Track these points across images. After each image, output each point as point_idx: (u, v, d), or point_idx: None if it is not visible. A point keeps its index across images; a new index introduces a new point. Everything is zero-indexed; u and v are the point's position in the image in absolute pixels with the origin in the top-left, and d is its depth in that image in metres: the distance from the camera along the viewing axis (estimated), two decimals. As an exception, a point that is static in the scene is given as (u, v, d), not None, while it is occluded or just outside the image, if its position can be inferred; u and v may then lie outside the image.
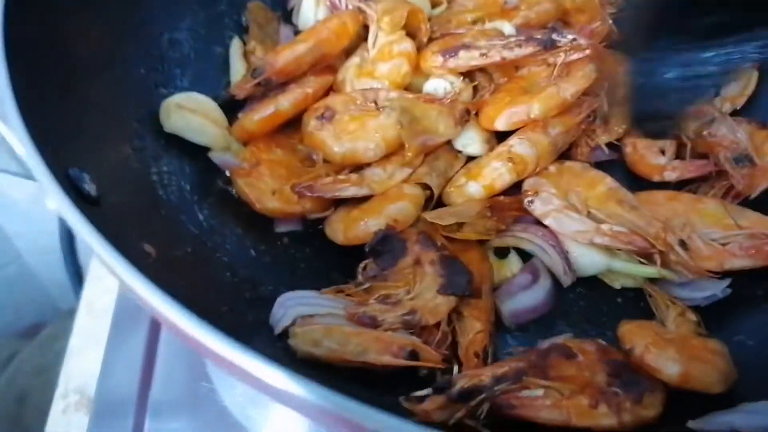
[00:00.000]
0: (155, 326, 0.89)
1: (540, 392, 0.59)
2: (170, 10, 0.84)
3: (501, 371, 0.58)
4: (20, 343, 1.87)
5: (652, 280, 0.74)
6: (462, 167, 0.81)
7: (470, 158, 0.82)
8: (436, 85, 0.84)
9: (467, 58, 0.81)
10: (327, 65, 0.86)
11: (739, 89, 0.90)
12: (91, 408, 0.88)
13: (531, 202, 0.74)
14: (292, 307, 0.64)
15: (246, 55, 0.91)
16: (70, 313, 1.87)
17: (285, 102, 0.79)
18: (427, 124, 0.76)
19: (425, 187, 0.77)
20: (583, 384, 0.60)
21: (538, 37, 0.80)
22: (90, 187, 0.54)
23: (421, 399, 0.55)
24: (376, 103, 0.78)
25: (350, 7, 0.91)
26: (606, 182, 0.77)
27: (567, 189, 0.77)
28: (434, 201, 0.77)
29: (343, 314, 0.64)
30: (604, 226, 0.71)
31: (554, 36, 0.80)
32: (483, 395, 0.56)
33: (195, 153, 0.79)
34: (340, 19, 0.86)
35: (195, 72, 0.86)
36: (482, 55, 0.80)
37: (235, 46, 0.91)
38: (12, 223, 1.83)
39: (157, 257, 0.58)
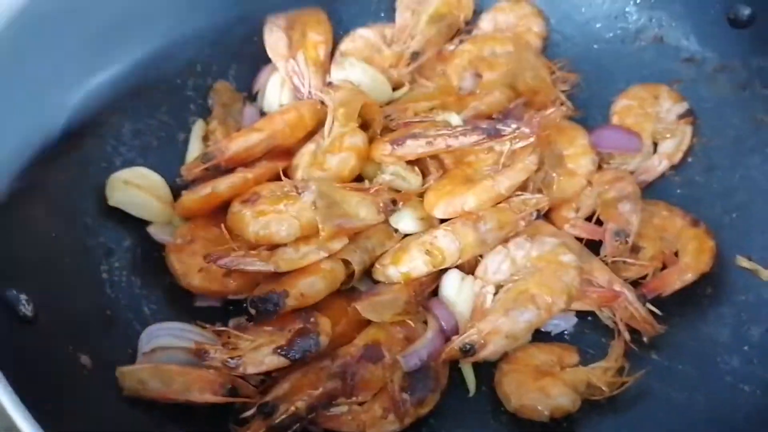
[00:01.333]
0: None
1: (345, 408, 0.71)
2: (135, 102, 0.88)
3: (316, 396, 0.68)
4: None
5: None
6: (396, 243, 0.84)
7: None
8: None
9: (414, 146, 0.84)
10: (284, 150, 0.89)
11: (675, 146, 0.94)
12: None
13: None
14: (158, 337, 0.71)
15: (206, 136, 0.94)
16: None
17: (222, 185, 0.83)
18: (346, 208, 0.79)
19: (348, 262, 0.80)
20: (381, 387, 0.72)
21: (483, 126, 0.84)
22: (26, 308, 0.57)
23: (245, 421, 0.66)
24: (297, 188, 0.80)
25: (313, 92, 0.95)
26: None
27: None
28: (356, 277, 0.80)
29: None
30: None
31: (498, 125, 0.83)
32: (298, 423, 0.66)
33: (148, 244, 0.83)
34: (298, 112, 0.89)
35: (156, 158, 0.89)
36: (428, 143, 0.84)
37: (197, 128, 0.95)
38: None
39: (92, 368, 0.61)
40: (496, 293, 0.79)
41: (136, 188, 0.82)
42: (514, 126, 0.83)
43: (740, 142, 0.91)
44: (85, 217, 0.78)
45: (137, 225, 0.83)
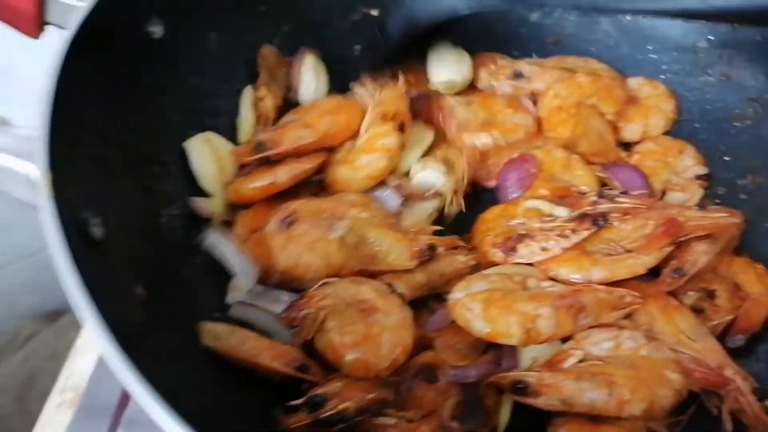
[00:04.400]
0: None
1: (392, 421, 0.69)
2: (214, 67, 0.92)
3: (367, 400, 0.67)
4: (40, 325, 1.96)
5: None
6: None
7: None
8: (426, 178, 0.88)
9: (529, 254, 0.81)
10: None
11: (682, 200, 0.94)
12: (76, 408, 0.95)
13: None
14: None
15: (256, 102, 0.95)
16: (89, 306, 1.95)
17: (282, 177, 0.84)
18: (378, 249, 0.77)
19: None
20: (432, 410, 0.71)
21: (589, 213, 0.81)
22: (97, 231, 0.61)
23: (293, 409, 0.66)
24: (333, 218, 0.79)
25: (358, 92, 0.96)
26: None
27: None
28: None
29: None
30: None
31: (602, 206, 0.81)
32: (344, 423, 0.65)
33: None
34: (349, 115, 0.91)
35: (225, 122, 0.93)
36: (543, 250, 0.80)
37: (247, 94, 0.96)
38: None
39: (146, 298, 0.64)
40: (581, 362, 0.74)
41: (210, 149, 0.86)
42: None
43: (798, 186, 0.91)
44: (155, 165, 0.82)
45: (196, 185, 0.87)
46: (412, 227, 0.81)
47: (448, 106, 0.95)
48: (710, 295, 0.84)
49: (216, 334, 0.69)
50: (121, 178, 0.73)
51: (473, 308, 0.73)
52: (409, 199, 0.86)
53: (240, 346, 0.69)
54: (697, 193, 0.96)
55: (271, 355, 0.69)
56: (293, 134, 0.87)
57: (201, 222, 0.84)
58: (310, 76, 0.99)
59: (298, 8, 1.01)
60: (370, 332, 0.71)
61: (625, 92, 1.01)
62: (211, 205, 0.85)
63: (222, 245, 0.80)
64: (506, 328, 0.72)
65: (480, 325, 0.73)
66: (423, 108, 0.94)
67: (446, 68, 1.00)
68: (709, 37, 1.02)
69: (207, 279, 0.80)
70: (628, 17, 1.07)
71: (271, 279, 0.78)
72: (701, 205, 0.93)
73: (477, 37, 1.09)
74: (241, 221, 0.83)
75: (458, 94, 1.01)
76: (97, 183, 0.67)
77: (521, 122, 0.93)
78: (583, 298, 0.75)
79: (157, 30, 0.82)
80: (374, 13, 1.08)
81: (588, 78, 0.97)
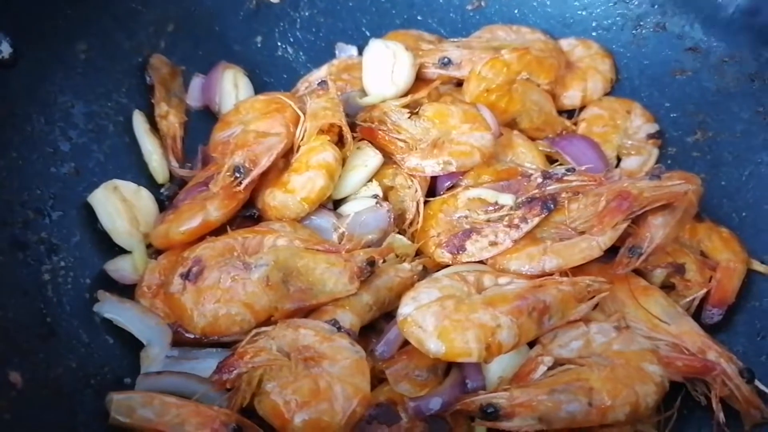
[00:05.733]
0: None
1: None
2: (87, 82, 0.78)
3: None
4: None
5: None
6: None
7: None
8: (353, 208, 0.76)
9: (478, 251, 0.73)
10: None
11: (638, 165, 0.89)
12: None
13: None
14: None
15: (159, 121, 0.84)
16: None
17: (215, 211, 0.71)
18: (310, 279, 0.67)
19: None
20: None
21: (537, 197, 0.73)
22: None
23: None
24: (246, 262, 0.66)
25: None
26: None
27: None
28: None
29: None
30: None
31: (549, 188, 0.73)
32: None
33: (101, 241, 0.73)
34: (287, 107, 0.78)
35: (116, 145, 0.80)
36: (493, 244, 0.72)
37: (138, 121, 0.82)
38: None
39: (23, 387, 0.52)
40: (552, 368, 0.66)
41: (120, 201, 0.73)
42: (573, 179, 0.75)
43: (749, 137, 0.85)
44: (26, 209, 0.68)
45: (89, 219, 0.73)
46: (342, 243, 0.70)
47: (391, 122, 0.80)
48: (679, 269, 0.77)
49: (129, 406, 0.58)
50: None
51: (425, 325, 0.63)
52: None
53: (160, 418, 0.57)
54: (652, 153, 0.90)
55: (199, 421, 0.58)
56: (262, 147, 0.73)
57: (95, 273, 0.71)
58: (230, 91, 0.88)
59: (181, 1, 0.87)
60: (318, 387, 0.60)
61: (559, 59, 0.92)
62: (131, 265, 0.72)
63: (121, 312, 0.66)
64: (464, 345, 0.62)
65: (435, 345, 0.63)
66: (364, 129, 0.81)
67: (378, 78, 0.86)
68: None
69: (112, 339, 0.67)
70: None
71: (190, 337, 0.66)
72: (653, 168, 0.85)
73: (390, 9, 0.99)
74: (150, 272, 0.71)
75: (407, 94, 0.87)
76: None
77: (478, 144, 0.78)
78: (545, 296, 0.67)
79: (3, 48, 0.67)
80: (274, 0, 0.96)
81: (514, 54, 0.88)
